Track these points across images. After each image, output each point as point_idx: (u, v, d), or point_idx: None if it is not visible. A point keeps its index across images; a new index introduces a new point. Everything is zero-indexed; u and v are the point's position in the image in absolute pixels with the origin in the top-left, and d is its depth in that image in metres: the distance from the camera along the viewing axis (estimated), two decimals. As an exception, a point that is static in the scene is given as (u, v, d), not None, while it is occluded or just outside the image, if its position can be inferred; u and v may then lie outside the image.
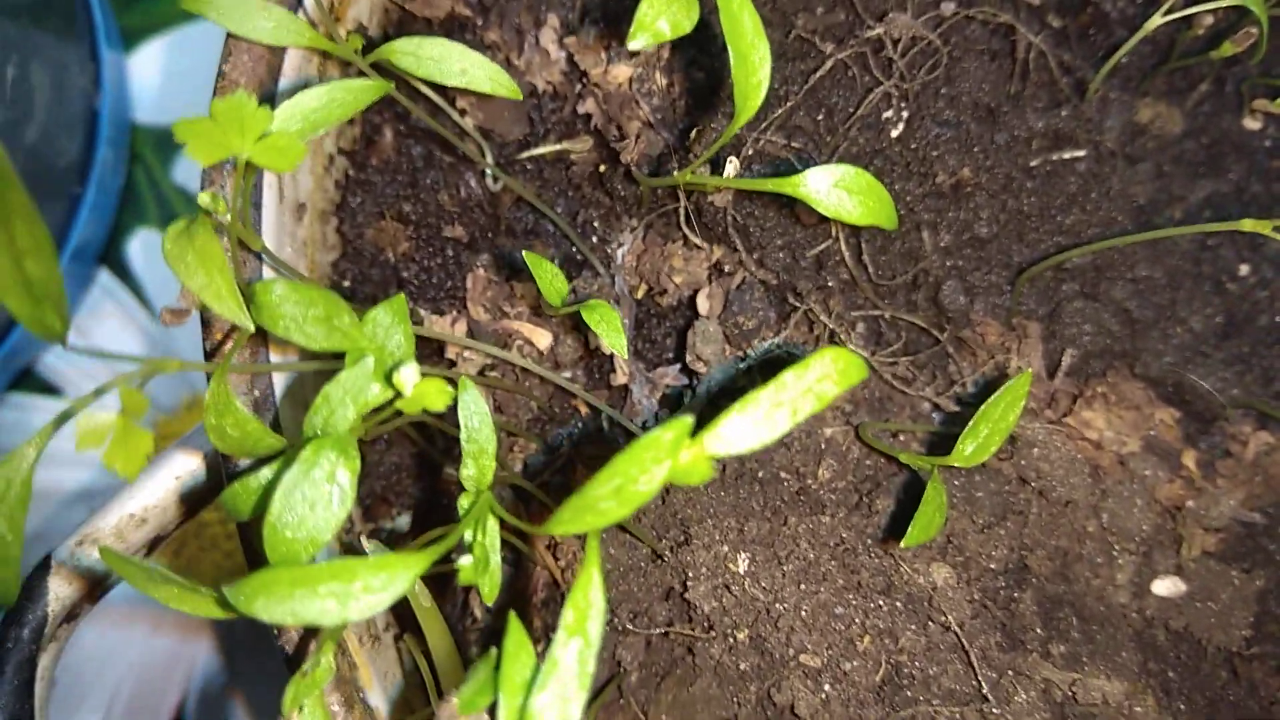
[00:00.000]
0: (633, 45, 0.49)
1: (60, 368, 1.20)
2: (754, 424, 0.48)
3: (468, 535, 0.52)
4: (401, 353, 0.52)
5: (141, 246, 1.20)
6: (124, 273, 1.20)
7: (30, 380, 1.19)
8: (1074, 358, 0.75)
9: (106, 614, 1.16)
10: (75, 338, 1.19)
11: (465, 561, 0.50)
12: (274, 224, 0.68)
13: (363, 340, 0.50)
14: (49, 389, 1.19)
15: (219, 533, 1.20)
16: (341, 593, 0.45)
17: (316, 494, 0.47)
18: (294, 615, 0.44)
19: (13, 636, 0.67)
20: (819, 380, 0.49)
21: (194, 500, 0.70)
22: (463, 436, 0.53)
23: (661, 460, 0.44)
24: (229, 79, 0.65)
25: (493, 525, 0.52)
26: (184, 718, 1.15)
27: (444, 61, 0.60)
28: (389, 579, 0.45)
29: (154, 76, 1.25)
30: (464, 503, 0.54)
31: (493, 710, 0.47)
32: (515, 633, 0.46)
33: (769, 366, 0.75)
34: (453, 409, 0.76)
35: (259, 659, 1.17)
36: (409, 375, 0.47)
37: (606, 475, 0.44)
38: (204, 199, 0.55)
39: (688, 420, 0.43)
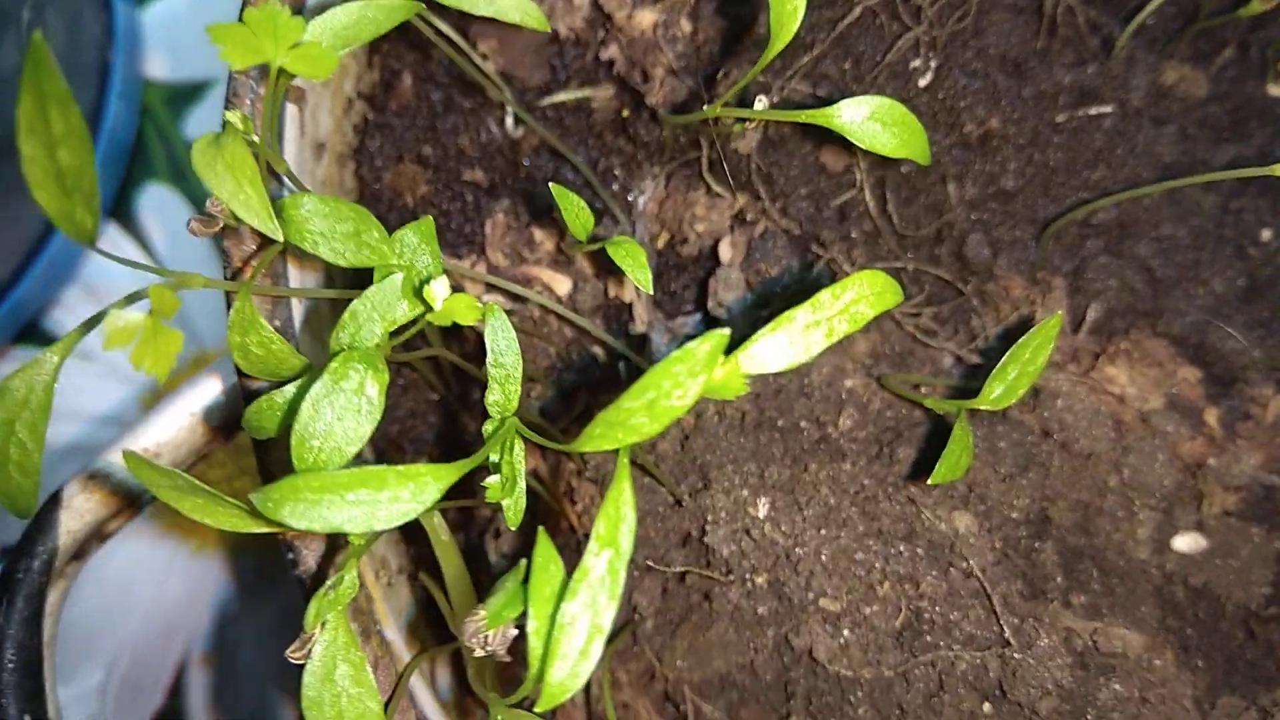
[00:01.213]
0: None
1: (66, 321, 1.19)
2: (789, 343, 0.47)
3: (494, 457, 0.51)
4: (430, 270, 0.51)
5: (150, 201, 1.19)
6: (133, 227, 1.19)
7: (36, 334, 1.18)
8: (1098, 313, 0.75)
9: (110, 568, 1.15)
10: (82, 293, 1.18)
11: (493, 480, 0.49)
12: (295, 158, 0.67)
13: (392, 256, 0.49)
14: (55, 342, 1.18)
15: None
16: (370, 500, 0.44)
17: (345, 405, 0.46)
18: (322, 520, 0.43)
19: (23, 567, 0.66)
20: (855, 300, 0.48)
21: (210, 434, 0.70)
22: (489, 361, 0.52)
23: (697, 374, 0.44)
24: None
25: (519, 447, 0.51)
26: (182, 678, 1.14)
27: (473, -11, 0.59)
28: (418, 489, 0.45)
29: (167, 32, 1.24)
30: (489, 428, 0.53)
31: (521, 622, 0.46)
32: (544, 546, 0.45)
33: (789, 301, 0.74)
34: (477, 347, 0.75)
35: (261, 612, 1.16)
36: (440, 288, 0.47)
37: (639, 389, 0.43)
38: (232, 116, 0.54)
39: (724, 332, 0.43)
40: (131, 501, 0.74)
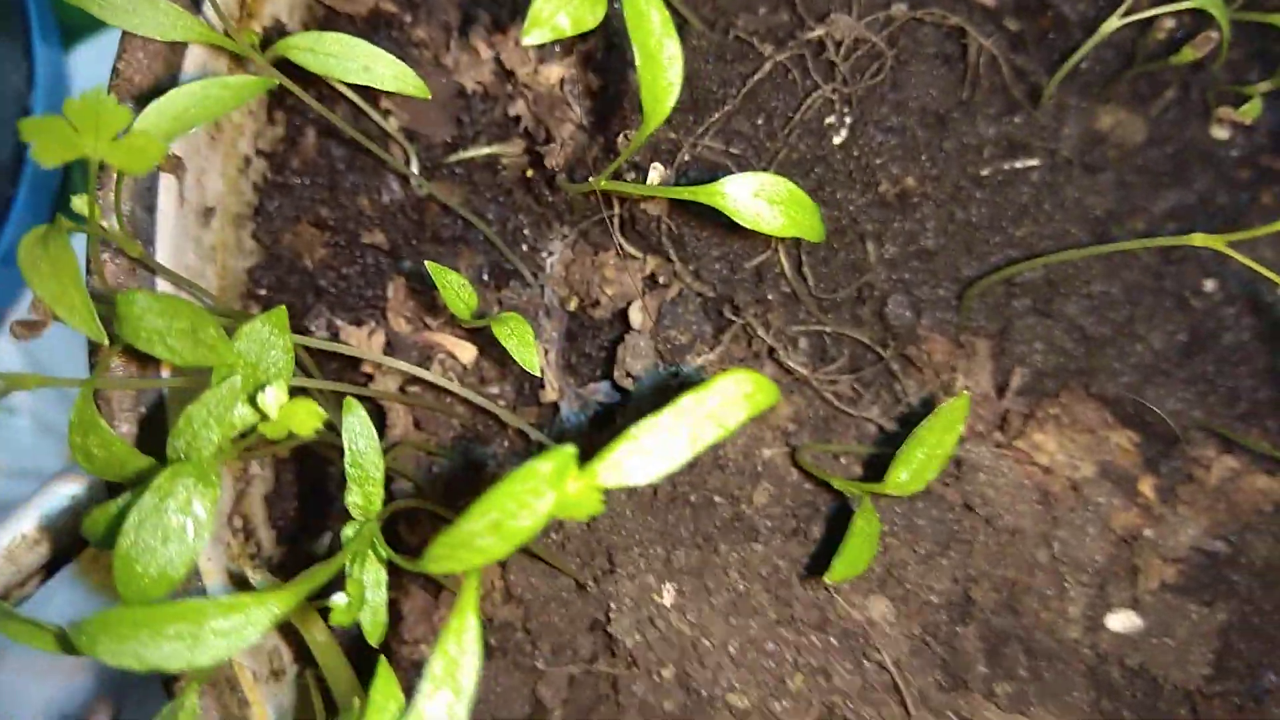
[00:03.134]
0: (527, 41, 0.45)
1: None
2: (650, 452, 0.44)
3: (348, 569, 0.48)
4: (278, 369, 0.48)
5: (79, 248, 1.16)
6: (57, 278, 1.15)
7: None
8: (1025, 376, 0.72)
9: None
10: (6, 343, 1.15)
11: (339, 600, 0.46)
12: (173, 229, 0.64)
13: (230, 355, 0.46)
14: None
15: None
16: (190, 634, 0.41)
17: (170, 525, 0.43)
18: (138, 659, 0.40)
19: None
20: (723, 405, 0.45)
21: (54, 546, 0.66)
22: (347, 460, 0.49)
23: (543, 493, 0.40)
24: (123, 76, 0.61)
25: (374, 560, 0.48)
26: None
27: (344, 58, 0.56)
28: (244, 621, 0.41)
29: (97, 74, 1.21)
30: (348, 531, 0.50)
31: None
32: (383, 680, 0.42)
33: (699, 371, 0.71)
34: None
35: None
36: (273, 397, 0.43)
37: (481, 509, 0.40)
38: (77, 203, 0.51)
39: (570, 450, 0.39)
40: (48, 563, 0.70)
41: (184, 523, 0.43)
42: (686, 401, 0.44)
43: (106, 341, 0.45)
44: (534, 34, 0.45)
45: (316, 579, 0.44)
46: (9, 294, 1.14)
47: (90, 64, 1.20)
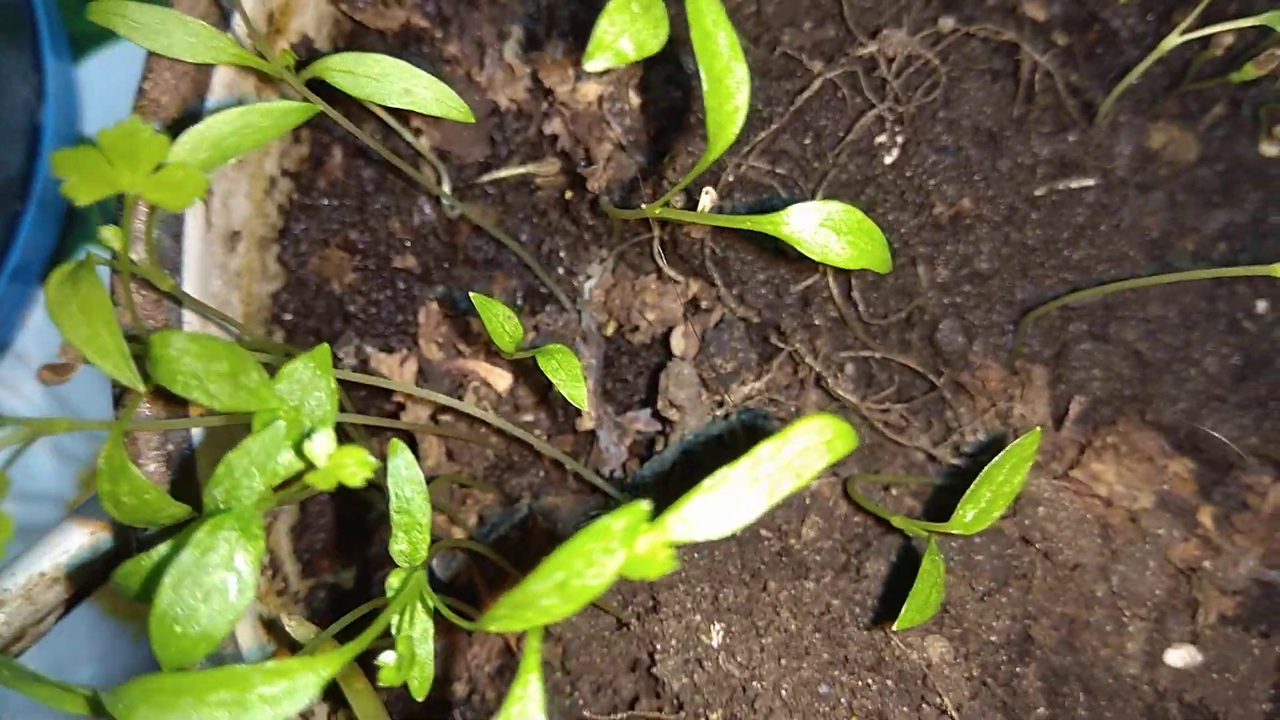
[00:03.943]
0: (590, 67, 0.43)
1: (-1, 394, 1.13)
2: (725, 505, 0.42)
3: (394, 622, 0.45)
4: (322, 413, 0.45)
5: (89, 266, 1.13)
6: (69, 294, 1.12)
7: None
8: (1082, 405, 0.69)
9: (53, 648, 1.09)
10: (14, 363, 1.12)
11: (388, 659, 0.43)
12: (200, 255, 0.61)
13: (273, 400, 0.43)
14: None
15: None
16: (236, 703, 0.38)
17: (211, 582, 0.40)
18: (178, 731, 0.37)
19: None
20: (801, 453, 0.42)
21: (114, 556, 0.64)
22: (392, 507, 0.46)
23: (613, 551, 0.38)
24: (149, 97, 0.58)
25: (421, 612, 0.45)
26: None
27: (385, 80, 0.53)
28: (291, 688, 0.39)
29: (107, 86, 1.18)
30: (393, 582, 0.47)
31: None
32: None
33: (751, 430, 0.68)
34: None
35: None
36: (322, 446, 0.41)
37: (549, 568, 0.38)
38: (106, 234, 0.48)
39: (643, 507, 0.37)
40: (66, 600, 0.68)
41: (226, 579, 0.41)
42: (763, 450, 0.42)
43: (142, 388, 0.43)
44: (598, 59, 0.43)
45: (364, 641, 0.42)
46: (16, 310, 1.11)
47: (100, 76, 1.18)
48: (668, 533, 0.41)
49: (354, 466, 0.42)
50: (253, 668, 0.38)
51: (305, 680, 0.39)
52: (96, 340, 0.41)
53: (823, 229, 0.49)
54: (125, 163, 0.41)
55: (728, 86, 0.45)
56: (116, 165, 0.41)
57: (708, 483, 0.42)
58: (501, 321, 0.55)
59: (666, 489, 0.69)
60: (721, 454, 0.60)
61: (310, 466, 0.43)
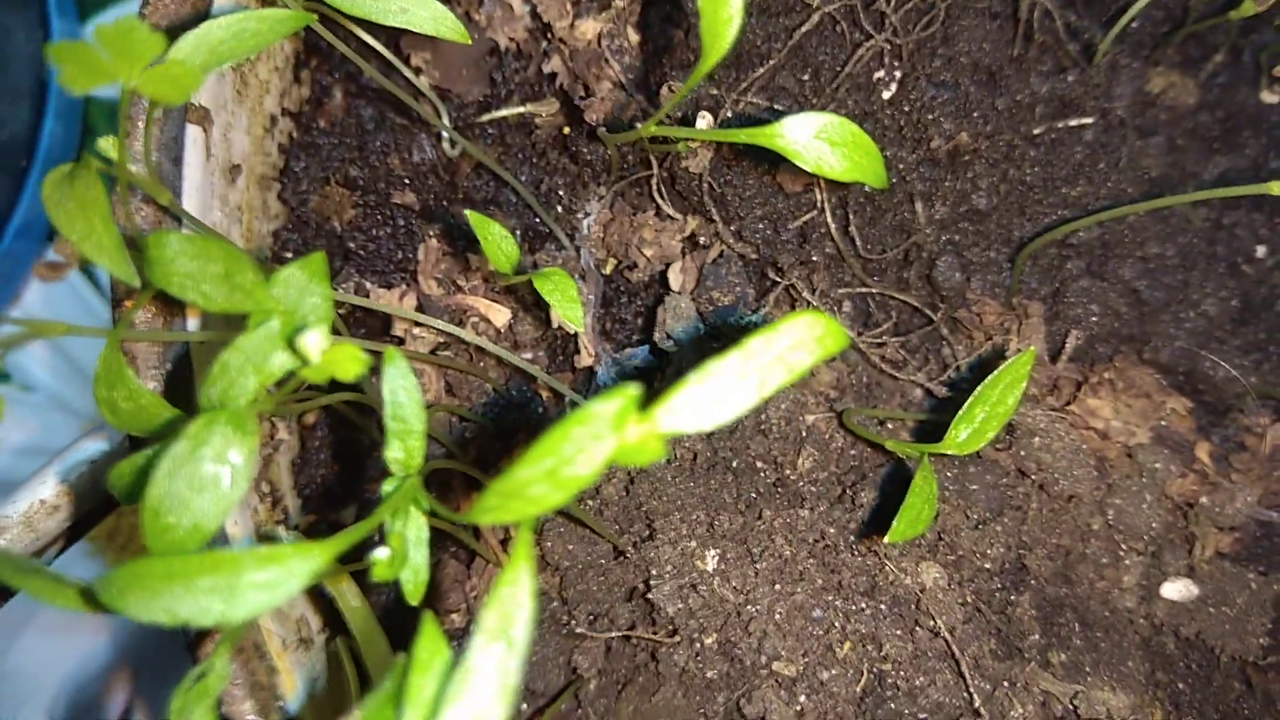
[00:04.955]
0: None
1: None
2: (715, 397, 0.42)
3: (388, 524, 0.46)
4: (317, 316, 0.45)
5: (93, 223, 1.14)
6: (74, 250, 1.13)
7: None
8: (1079, 340, 0.69)
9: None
10: (19, 315, 1.13)
11: (381, 555, 0.44)
12: (200, 184, 0.62)
13: (268, 300, 0.44)
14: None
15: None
16: (226, 587, 0.38)
17: (204, 474, 0.41)
18: (169, 613, 0.38)
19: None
20: (791, 347, 0.42)
21: (77, 503, 0.64)
22: (387, 414, 0.47)
23: (602, 437, 0.38)
24: (155, 3, 0.59)
25: (417, 514, 0.45)
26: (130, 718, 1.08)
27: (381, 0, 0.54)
28: (283, 573, 0.39)
29: (112, 46, 1.19)
30: (387, 487, 0.47)
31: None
32: (429, 636, 0.39)
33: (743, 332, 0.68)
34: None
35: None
36: (314, 340, 0.41)
37: (537, 455, 0.38)
38: (104, 144, 0.49)
39: (634, 390, 0.37)
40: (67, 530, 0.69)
41: (219, 472, 0.41)
42: (755, 343, 0.42)
43: (138, 284, 0.43)
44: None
45: (357, 533, 0.42)
46: (23, 267, 1.12)
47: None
48: (656, 424, 0.41)
49: (347, 361, 0.43)
50: (245, 553, 0.38)
51: (297, 566, 0.39)
52: (93, 236, 0.42)
53: (817, 140, 0.49)
54: (122, 57, 0.41)
55: (721, -9, 0.45)
56: (114, 59, 0.41)
57: (698, 373, 0.42)
58: (498, 241, 0.55)
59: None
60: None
61: (304, 364, 0.43)
